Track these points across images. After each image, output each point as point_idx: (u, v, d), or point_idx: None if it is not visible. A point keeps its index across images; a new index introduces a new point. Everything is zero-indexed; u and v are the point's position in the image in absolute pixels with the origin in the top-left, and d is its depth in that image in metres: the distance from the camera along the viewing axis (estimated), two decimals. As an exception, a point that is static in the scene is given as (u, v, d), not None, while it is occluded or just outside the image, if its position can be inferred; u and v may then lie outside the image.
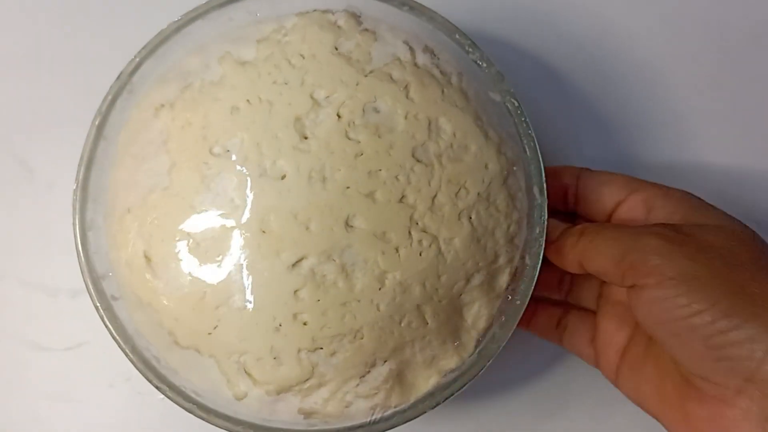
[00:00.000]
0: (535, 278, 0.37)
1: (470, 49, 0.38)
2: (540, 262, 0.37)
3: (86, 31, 0.48)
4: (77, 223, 0.37)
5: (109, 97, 0.38)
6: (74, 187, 0.37)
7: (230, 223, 0.34)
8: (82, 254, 0.37)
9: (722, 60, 0.49)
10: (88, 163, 0.37)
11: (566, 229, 0.38)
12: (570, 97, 0.48)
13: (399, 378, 0.36)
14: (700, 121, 0.48)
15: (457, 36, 0.38)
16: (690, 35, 0.49)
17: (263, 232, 0.34)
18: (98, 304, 0.36)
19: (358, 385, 0.35)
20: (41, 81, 0.48)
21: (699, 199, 0.38)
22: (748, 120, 0.48)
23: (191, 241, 0.34)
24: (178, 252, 0.34)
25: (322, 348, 0.34)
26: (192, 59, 0.37)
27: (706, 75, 0.49)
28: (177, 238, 0.34)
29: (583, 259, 0.36)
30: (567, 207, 0.42)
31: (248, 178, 0.34)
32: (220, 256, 0.34)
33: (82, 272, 0.36)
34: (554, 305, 0.44)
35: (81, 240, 0.37)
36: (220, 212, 0.34)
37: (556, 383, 0.46)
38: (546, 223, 0.37)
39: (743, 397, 0.31)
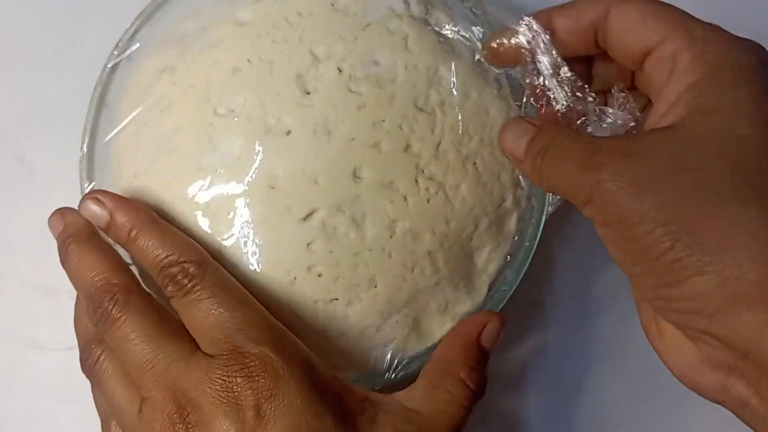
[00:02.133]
0: (543, 220, 0.37)
1: (465, -2, 0.39)
2: (547, 204, 0.37)
3: (87, 31, 0.48)
4: (85, 192, 0.37)
5: (109, 66, 0.38)
6: (80, 156, 0.37)
7: (238, 181, 0.34)
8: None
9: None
10: (92, 131, 0.38)
11: (529, 146, 0.32)
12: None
13: (414, 325, 0.36)
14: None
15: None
16: None
17: (272, 188, 0.34)
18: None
19: (375, 333, 0.36)
20: (41, 80, 0.47)
21: (743, 56, 0.30)
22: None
23: (201, 202, 0.35)
24: (188, 213, 0.35)
25: (337, 299, 0.35)
26: (188, 23, 0.38)
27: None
28: (186, 200, 0.35)
29: (544, 185, 0.32)
30: (598, 49, 0.34)
31: (254, 136, 0.34)
32: (231, 215, 0.34)
33: None
34: None
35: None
36: (227, 171, 0.34)
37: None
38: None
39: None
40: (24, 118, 0.47)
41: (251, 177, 0.34)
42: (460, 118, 0.36)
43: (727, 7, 0.47)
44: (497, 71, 0.37)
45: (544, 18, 0.33)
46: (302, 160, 0.34)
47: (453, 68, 0.36)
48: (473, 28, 0.38)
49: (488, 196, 0.36)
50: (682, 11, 0.32)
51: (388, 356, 0.36)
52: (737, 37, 0.31)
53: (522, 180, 0.37)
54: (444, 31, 0.38)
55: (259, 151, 0.34)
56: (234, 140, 0.35)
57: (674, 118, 0.29)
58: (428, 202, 0.35)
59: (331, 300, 0.35)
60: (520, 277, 0.37)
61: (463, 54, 0.37)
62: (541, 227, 0.37)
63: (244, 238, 0.34)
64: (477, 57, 0.37)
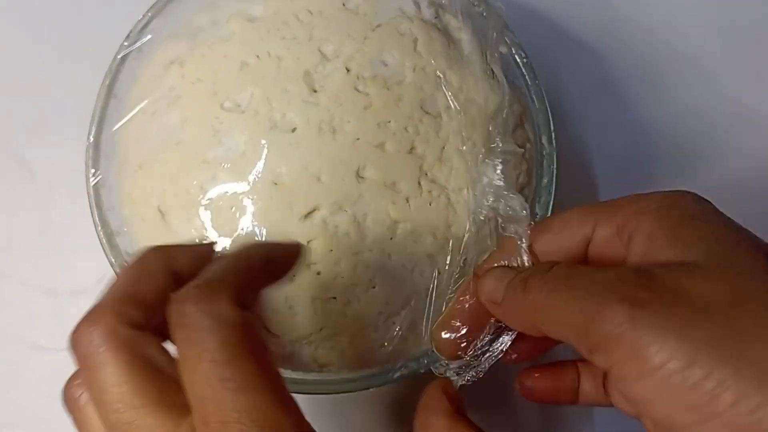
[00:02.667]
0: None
1: (476, 2, 0.39)
2: (549, 211, 0.37)
3: (87, 31, 0.48)
4: (90, 180, 0.37)
5: (119, 57, 0.38)
6: (87, 145, 0.37)
7: (242, 177, 0.34)
8: (95, 211, 0.37)
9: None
10: (100, 121, 0.38)
11: (510, 281, 0.29)
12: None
13: (412, 327, 0.36)
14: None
15: (463, -11, 0.39)
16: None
17: (275, 184, 0.34)
18: (112, 260, 0.37)
19: (372, 333, 0.36)
20: (41, 81, 0.48)
21: (686, 202, 0.27)
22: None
23: (205, 194, 0.35)
24: (192, 206, 0.35)
25: (335, 298, 0.35)
26: (201, 16, 0.38)
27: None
28: (191, 192, 0.35)
29: (537, 324, 0.27)
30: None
31: (259, 132, 0.34)
32: (233, 209, 0.34)
33: (96, 229, 0.37)
34: (563, 367, 0.34)
35: (95, 197, 0.37)
36: (232, 166, 0.34)
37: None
38: (555, 172, 0.37)
39: None
40: (24, 119, 0.47)
41: (255, 173, 0.34)
42: (465, 123, 0.36)
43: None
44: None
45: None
46: (306, 157, 0.34)
47: (460, 73, 0.36)
48: (483, 32, 0.38)
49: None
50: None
51: (384, 357, 0.36)
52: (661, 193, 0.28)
53: (526, 187, 0.37)
54: (454, 35, 0.38)
55: (264, 146, 0.34)
56: (239, 135, 0.35)
57: (684, 255, 0.25)
58: (430, 204, 0.35)
59: (329, 298, 0.35)
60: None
61: (472, 59, 0.37)
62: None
63: (245, 232, 0.34)
64: (485, 65, 0.37)
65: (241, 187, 0.34)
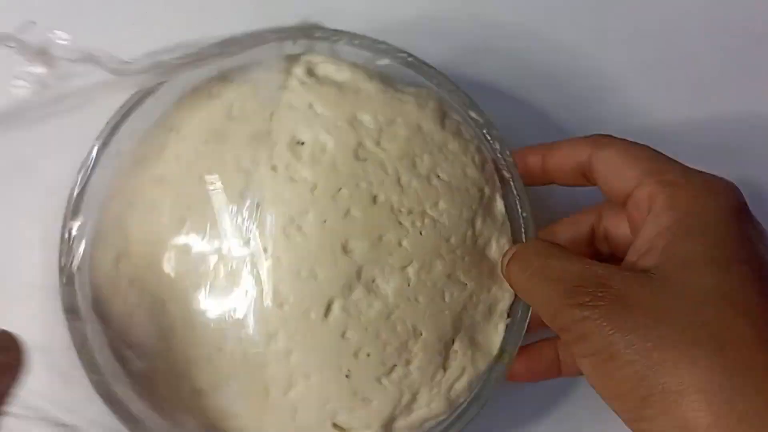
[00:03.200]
0: (522, 184, 0.37)
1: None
2: (517, 169, 0.37)
3: (87, 31, 0.47)
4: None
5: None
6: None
7: (254, 308, 0.34)
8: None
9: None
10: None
11: (501, 259, 0.37)
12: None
13: (472, 344, 0.36)
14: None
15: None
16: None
17: (282, 306, 0.34)
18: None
19: (444, 375, 0.36)
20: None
21: (712, 208, 0.32)
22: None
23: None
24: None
25: (395, 365, 0.35)
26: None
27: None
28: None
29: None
30: (589, 182, 0.38)
31: (241, 274, 0.34)
32: (258, 347, 0.34)
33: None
34: (547, 345, 0.40)
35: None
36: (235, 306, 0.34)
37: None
38: (500, 136, 0.38)
39: None
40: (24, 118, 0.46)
41: (262, 307, 0.34)
42: (400, 145, 0.36)
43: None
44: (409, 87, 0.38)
45: (531, 154, 0.38)
46: (294, 265, 0.34)
47: (366, 107, 0.36)
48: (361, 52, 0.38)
49: (467, 196, 0.36)
50: (657, 153, 0.35)
51: (467, 384, 0.36)
52: (711, 178, 0.33)
53: (486, 163, 0.38)
54: (334, 77, 0.38)
55: (250, 285, 0.34)
56: (227, 282, 0.34)
57: (650, 263, 0.31)
58: (421, 234, 0.35)
59: (390, 370, 0.35)
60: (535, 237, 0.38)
61: (365, 86, 0.37)
62: (526, 196, 0.38)
63: (283, 361, 0.34)
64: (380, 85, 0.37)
65: (261, 320, 0.34)
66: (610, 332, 0.29)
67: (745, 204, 0.33)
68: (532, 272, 0.33)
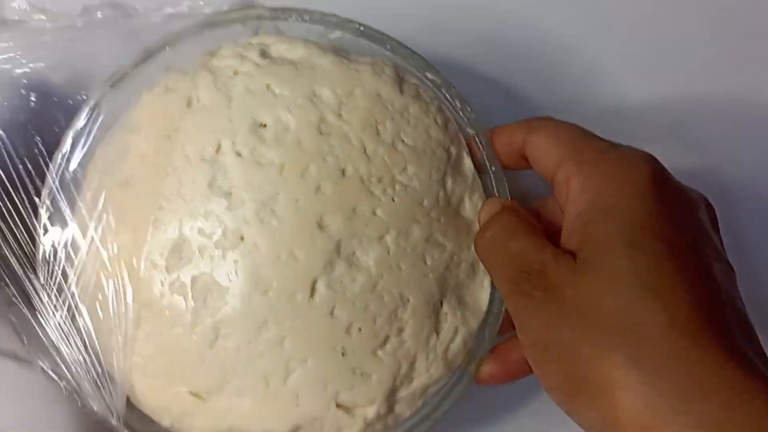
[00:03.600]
0: (488, 138, 0.37)
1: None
2: (482, 130, 0.37)
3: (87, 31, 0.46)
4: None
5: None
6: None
7: (239, 300, 0.34)
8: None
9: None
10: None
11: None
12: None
13: (461, 304, 0.36)
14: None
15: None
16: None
17: (266, 293, 0.33)
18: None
19: (438, 338, 0.36)
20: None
21: (627, 185, 0.31)
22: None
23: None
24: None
25: (388, 336, 0.35)
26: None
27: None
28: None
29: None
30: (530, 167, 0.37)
31: (221, 261, 0.34)
32: (249, 340, 0.33)
33: None
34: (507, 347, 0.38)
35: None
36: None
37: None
38: (459, 94, 0.38)
39: None
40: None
41: (245, 291, 0.33)
42: (362, 115, 0.36)
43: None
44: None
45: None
46: (273, 250, 0.33)
47: (322, 80, 0.36)
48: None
49: (434, 157, 0.36)
50: (584, 133, 0.34)
51: (462, 344, 0.36)
52: (626, 153, 0.32)
53: (449, 123, 0.38)
54: (289, 56, 0.37)
55: (232, 275, 0.33)
56: (206, 267, 0.34)
57: (574, 246, 0.31)
58: (393, 200, 0.35)
59: (384, 341, 0.35)
60: (506, 189, 0.38)
61: (320, 61, 0.37)
62: (491, 148, 0.38)
63: (275, 350, 0.34)
64: (333, 54, 0.37)
65: (249, 314, 0.34)
66: (543, 325, 0.30)
67: (663, 173, 0.32)
68: (496, 249, 0.34)
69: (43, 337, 0.36)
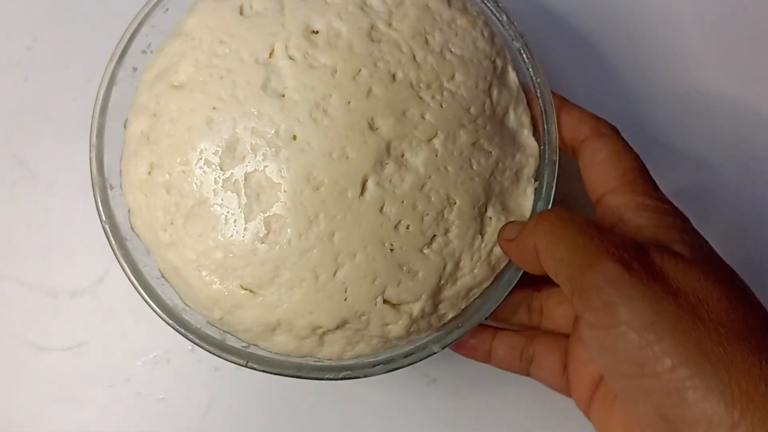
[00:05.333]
0: (534, 53, 0.38)
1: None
2: (528, 41, 0.38)
3: (86, 31, 0.47)
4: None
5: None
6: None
7: (291, 195, 0.35)
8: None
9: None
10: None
11: (525, 224, 0.35)
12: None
13: (505, 209, 0.37)
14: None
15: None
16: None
17: (317, 189, 0.34)
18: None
19: (482, 239, 0.37)
20: (41, 81, 0.47)
21: (679, 214, 0.33)
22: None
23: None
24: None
25: (435, 235, 0.35)
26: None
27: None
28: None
29: (538, 252, 0.32)
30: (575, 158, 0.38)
31: (272, 158, 0.35)
32: (300, 234, 0.34)
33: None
34: (515, 334, 0.40)
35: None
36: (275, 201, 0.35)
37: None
38: (506, 8, 0.39)
39: None
40: (24, 118, 0.47)
41: (296, 194, 0.34)
42: (411, 24, 0.37)
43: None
44: None
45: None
46: (325, 148, 0.34)
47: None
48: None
49: (481, 68, 0.37)
50: (641, 167, 0.35)
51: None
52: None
53: (495, 37, 0.39)
54: None
55: (287, 166, 0.34)
56: (259, 164, 0.35)
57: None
58: (442, 106, 0.36)
59: (431, 240, 0.35)
60: (553, 111, 0.38)
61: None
62: (539, 63, 0.38)
63: (328, 244, 0.35)
64: None
65: (295, 209, 0.34)
66: (646, 304, 0.28)
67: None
68: (561, 227, 0.32)
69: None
